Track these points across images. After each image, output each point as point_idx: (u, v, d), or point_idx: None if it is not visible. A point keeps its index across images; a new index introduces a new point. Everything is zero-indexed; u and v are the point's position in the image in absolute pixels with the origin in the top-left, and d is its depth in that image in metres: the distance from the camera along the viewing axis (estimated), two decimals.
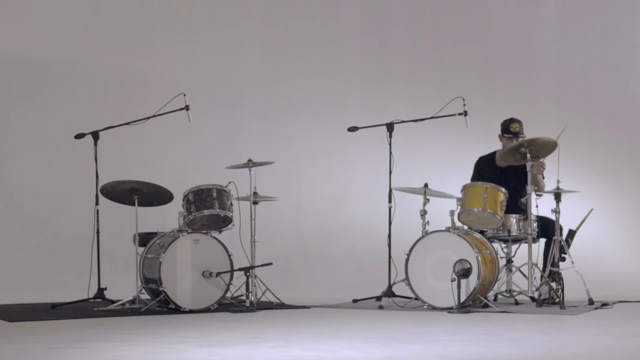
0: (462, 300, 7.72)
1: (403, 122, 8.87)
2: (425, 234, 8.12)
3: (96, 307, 7.99)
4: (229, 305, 8.08)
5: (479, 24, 10.76)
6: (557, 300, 7.91)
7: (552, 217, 8.24)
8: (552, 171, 8.44)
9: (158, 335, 6.33)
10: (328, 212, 10.50)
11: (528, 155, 8.16)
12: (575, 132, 10.41)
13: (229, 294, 8.11)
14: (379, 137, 9.26)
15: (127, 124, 8.67)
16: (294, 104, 10.62)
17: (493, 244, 8.31)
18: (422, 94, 9.52)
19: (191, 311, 7.82)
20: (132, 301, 8.00)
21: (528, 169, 8.16)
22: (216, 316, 7.63)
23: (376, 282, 9.08)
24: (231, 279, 8.01)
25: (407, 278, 8.06)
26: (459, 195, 8.31)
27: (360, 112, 10.40)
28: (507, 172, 8.71)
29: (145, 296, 8.04)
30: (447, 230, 8.06)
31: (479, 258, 7.82)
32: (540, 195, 8.43)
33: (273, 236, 9.37)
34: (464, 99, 8.49)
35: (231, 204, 8.27)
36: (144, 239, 8.16)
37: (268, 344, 5.86)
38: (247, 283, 8.03)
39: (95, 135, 8.48)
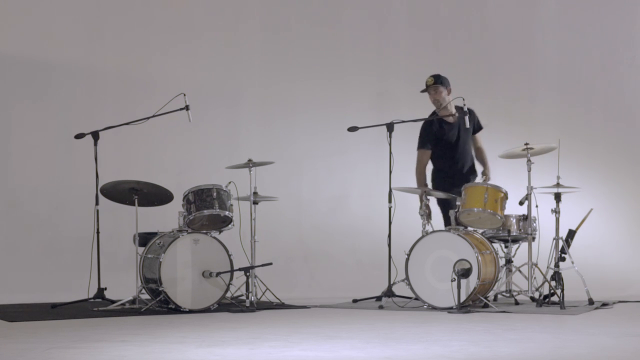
0: (462, 300, 7.72)
1: (403, 122, 8.87)
2: (425, 234, 8.12)
3: (96, 307, 7.99)
4: (229, 305, 8.08)
5: (479, 23, 10.76)
6: (558, 299, 7.92)
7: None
8: (552, 170, 8.44)
9: (158, 335, 6.33)
10: (328, 212, 10.50)
11: (528, 155, 8.17)
12: (575, 132, 10.41)
13: (229, 294, 8.11)
14: (379, 137, 9.26)
15: (127, 124, 8.67)
16: (294, 104, 10.62)
17: (493, 244, 8.31)
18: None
19: (191, 311, 7.82)
20: (132, 301, 8.00)
21: (528, 169, 8.16)
22: (216, 316, 7.63)
23: (376, 282, 9.08)
24: (231, 279, 8.01)
25: (407, 278, 8.06)
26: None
27: (360, 112, 10.40)
28: (453, 129, 8.81)
29: (145, 296, 8.05)
30: (447, 230, 8.06)
31: (479, 258, 7.82)
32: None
33: (273, 236, 9.38)
34: (464, 99, 8.49)
35: (231, 204, 8.27)
36: (144, 239, 8.16)
37: (268, 344, 5.86)
38: (247, 283, 8.04)
39: (95, 135, 8.48)
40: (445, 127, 8.76)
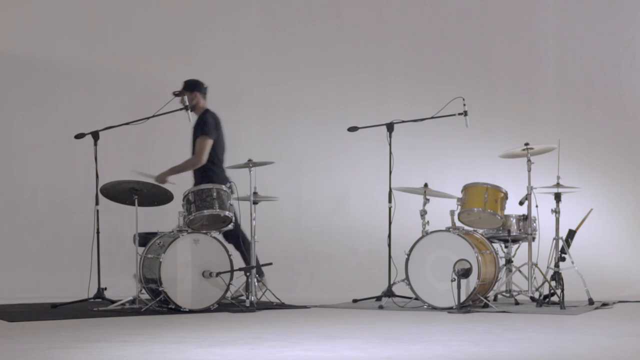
0: (462, 300, 7.72)
1: (403, 122, 8.87)
2: (425, 234, 8.12)
3: (96, 307, 7.99)
4: (229, 305, 8.08)
5: (479, 23, 10.76)
6: (558, 299, 7.92)
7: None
8: (552, 170, 8.45)
9: (158, 335, 6.34)
10: (328, 212, 10.50)
11: (528, 155, 8.17)
12: (575, 132, 10.41)
13: (229, 294, 8.11)
14: (379, 137, 9.26)
15: (127, 124, 8.67)
16: (294, 104, 10.62)
17: (493, 244, 8.31)
18: (422, 94, 9.52)
19: (191, 311, 7.82)
20: (132, 301, 8.00)
21: (528, 169, 8.17)
22: (216, 316, 7.63)
23: (376, 282, 9.08)
24: (231, 279, 8.00)
25: (407, 278, 8.06)
26: (459, 195, 8.31)
27: (360, 112, 10.40)
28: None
29: (145, 296, 8.05)
30: (447, 230, 8.06)
31: (479, 258, 7.82)
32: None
33: (273, 236, 9.38)
34: (464, 99, 8.49)
35: (231, 204, 8.27)
36: (144, 239, 8.16)
37: (268, 344, 5.86)
38: (247, 283, 8.04)
39: (95, 135, 8.48)
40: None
